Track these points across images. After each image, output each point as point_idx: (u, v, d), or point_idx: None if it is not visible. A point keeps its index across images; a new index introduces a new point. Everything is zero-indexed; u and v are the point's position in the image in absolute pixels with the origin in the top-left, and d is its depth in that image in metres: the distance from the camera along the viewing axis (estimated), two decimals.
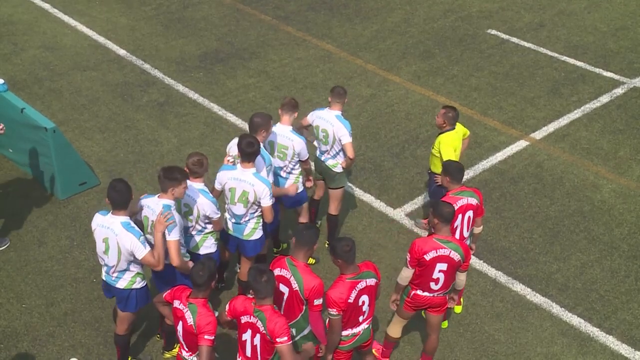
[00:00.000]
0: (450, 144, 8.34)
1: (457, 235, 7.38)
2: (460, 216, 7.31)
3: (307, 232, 6.42)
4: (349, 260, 6.29)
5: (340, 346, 6.58)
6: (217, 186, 7.57)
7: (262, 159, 7.59)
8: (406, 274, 6.91)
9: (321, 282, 6.32)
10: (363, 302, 6.39)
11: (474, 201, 7.38)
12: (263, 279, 5.82)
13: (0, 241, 8.95)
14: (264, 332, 5.88)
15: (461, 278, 7.06)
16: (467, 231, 7.46)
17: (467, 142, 8.78)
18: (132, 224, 6.68)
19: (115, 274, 6.89)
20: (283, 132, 8.02)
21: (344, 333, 6.50)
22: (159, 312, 6.57)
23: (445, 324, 8.05)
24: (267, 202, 7.35)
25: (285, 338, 5.80)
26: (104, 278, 7.06)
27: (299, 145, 7.98)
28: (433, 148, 8.50)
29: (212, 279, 6.01)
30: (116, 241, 6.66)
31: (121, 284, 6.93)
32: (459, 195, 7.34)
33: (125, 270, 6.84)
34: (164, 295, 6.32)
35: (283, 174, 8.19)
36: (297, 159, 8.09)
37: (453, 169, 7.45)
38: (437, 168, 8.39)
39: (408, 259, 6.84)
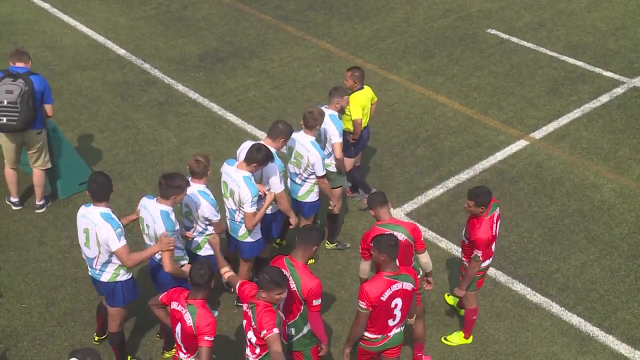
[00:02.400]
0: (358, 103, 8.97)
1: (494, 248, 7.38)
2: (497, 230, 7.35)
3: (309, 232, 6.42)
4: (392, 256, 6.26)
5: (368, 346, 6.52)
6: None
7: (276, 166, 7.59)
8: (363, 267, 7.04)
9: (319, 282, 6.30)
10: (396, 305, 6.32)
11: (498, 210, 7.38)
12: (264, 275, 5.83)
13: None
14: (254, 326, 5.89)
15: (423, 260, 7.07)
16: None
17: (375, 107, 9.50)
18: (113, 215, 6.74)
19: (98, 267, 6.91)
20: (302, 141, 8.00)
21: (373, 336, 6.43)
22: (155, 315, 6.53)
23: (470, 340, 7.96)
24: (247, 208, 7.30)
25: (265, 332, 5.78)
26: (89, 273, 7.08)
27: (314, 157, 7.93)
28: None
29: (212, 279, 6.00)
30: (95, 232, 6.70)
31: (105, 277, 6.94)
32: (491, 212, 7.21)
33: (108, 262, 6.85)
34: (160, 298, 6.27)
35: (298, 180, 8.22)
36: (312, 171, 8.05)
37: (482, 198, 7.08)
38: (349, 125, 9.07)
39: (360, 252, 6.97)
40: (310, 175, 8.11)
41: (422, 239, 6.96)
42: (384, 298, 6.23)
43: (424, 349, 7.64)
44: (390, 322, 6.41)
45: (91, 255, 6.86)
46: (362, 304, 6.23)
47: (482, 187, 7.27)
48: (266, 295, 5.85)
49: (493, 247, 7.41)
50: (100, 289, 7.09)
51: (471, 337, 7.97)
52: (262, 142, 7.68)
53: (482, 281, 7.68)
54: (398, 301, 6.31)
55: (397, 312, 6.37)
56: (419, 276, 7.08)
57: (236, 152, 7.99)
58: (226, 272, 6.50)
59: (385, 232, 6.68)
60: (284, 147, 7.97)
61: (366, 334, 6.44)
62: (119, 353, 7.42)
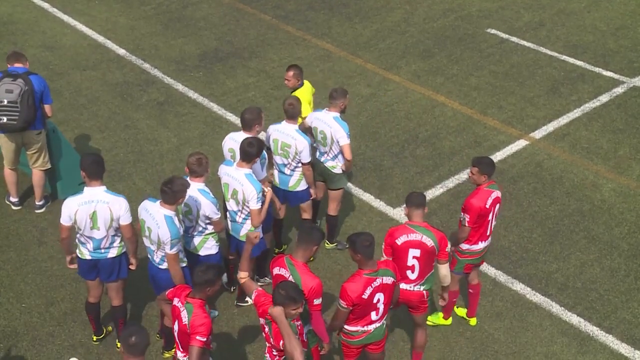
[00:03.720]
0: (304, 99, 8.88)
1: (489, 231, 7.50)
2: (492, 210, 7.39)
3: (311, 232, 6.42)
4: (367, 255, 6.29)
5: (350, 340, 6.58)
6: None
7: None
8: None
9: (320, 282, 6.31)
10: (378, 300, 6.38)
11: (500, 194, 7.48)
12: (279, 292, 5.80)
13: None
14: (272, 343, 5.90)
15: (443, 272, 7.03)
16: (494, 223, 7.55)
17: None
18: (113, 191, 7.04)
19: (106, 246, 7.06)
20: (287, 130, 8.07)
21: (354, 328, 6.50)
22: (161, 310, 6.55)
23: (449, 321, 8.06)
24: (254, 205, 7.33)
25: (283, 342, 5.80)
26: (87, 257, 7.14)
27: (302, 144, 8.00)
28: None
29: (208, 285, 5.92)
30: (108, 208, 6.86)
31: (112, 252, 7.13)
32: (491, 188, 7.39)
33: (114, 237, 7.06)
34: (167, 293, 6.33)
35: (287, 171, 8.23)
36: (299, 159, 8.10)
37: (486, 165, 7.38)
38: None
39: (383, 247, 6.95)
40: (299, 163, 8.16)
41: (446, 250, 6.96)
42: (365, 296, 6.29)
43: (422, 356, 7.64)
44: (374, 316, 6.47)
45: (100, 236, 6.99)
46: (343, 303, 6.31)
47: (486, 157, 7.47)
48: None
49: (489, 231, 7.47)
50: (104, 267, 7.17)
51: (450, 318, 8.06)
52: (240, 134, 7.86)
53: (471, 267, 7.70)
54: (380, 296, 6.38)
55: (380, 306, 6.44)
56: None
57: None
58: (243, 277, 6.43)
59: (411, 233, 6.69)
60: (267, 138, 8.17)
61: (347, 327, 6.52)
62: (123, 324, 7.55)
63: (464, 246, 7.49)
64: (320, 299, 6.33)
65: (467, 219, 7.30)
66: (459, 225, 7.47)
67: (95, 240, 7.02)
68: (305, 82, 9.19)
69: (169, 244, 6.73)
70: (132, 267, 7.36)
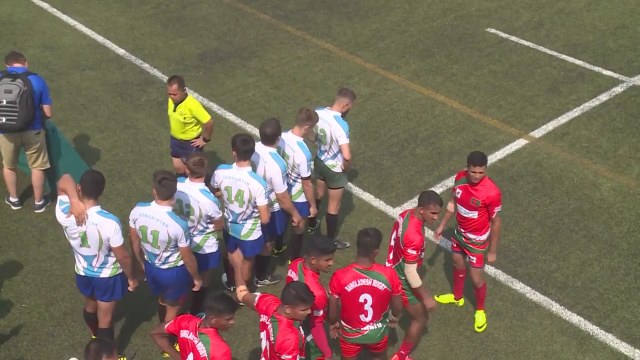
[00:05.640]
0: (200, 105, 8.91)
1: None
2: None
3: (311, 242, 6.41)
4: (361, 251, 6.35)
5: (345, 336, 6.63)
6: (214, 184, 7.60)
7: (277, 166, 7.60)
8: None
9: (324, 294, 6.29)
10: (365, 301, 6.36)
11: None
12: (290, 291, 5.77)
13: None
14: (272, 342, 5.84)
15: (406, 271, 6.92)
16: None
17: None
18: (107, 211, 6.75)
19: (97, 265, 6.87)
20: (289, 141, 8.02)
21: (347, 326, 6.57)
22: (158, 345, 6.23)
23: (461, 302, 8.26)
24: (262, 201, 7.34)
25: (286, 356, 5.73)
26: (82, 273, 6.97)
27: (299, 158, 7.93)
28: (184, 118, 8.82)
29: (228, 310, 5.67)
30: (97, 230, 6.62)
31: (106, 272, 6.92)
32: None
33: (107, 257, 6.85)
34: (166, 327, 5.99)
35: (289, 180, 8.17)
36: (298, 172, 8.04)
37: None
38: (193, 133, 8.99)
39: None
40: (298, 176, 8.08)
41: (409, 251, 6.82)
42: (348, 289, 6.31)
43: (411, 351, 7.65)
44: (362, 318, 6.45)
45: (91, 254, 6.80)
46: (329, 290, 6.42)
47: (477, 152, 7.73)
48: (290, 311, 5.77)
49: None
50: (98, 286, 6.99)
51: (462, 299, 8.30)
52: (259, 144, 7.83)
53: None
54: (367, 297, 6.35)
55: (368, 309, 6.40)
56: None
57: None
58: (242, 290, 6.41)
59: (400, 218, 7.00)
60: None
61: (344, 323, 6.58)
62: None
63: (483, 237, 7.64)
64: (322, 312, 6.29)
65: (500, 209, 7.54)
66: (486, 221, 7.59)
67: (87, 258, 6.86)
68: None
69: (183, 237, 6.76)
70: (130, 289, 7.13)
